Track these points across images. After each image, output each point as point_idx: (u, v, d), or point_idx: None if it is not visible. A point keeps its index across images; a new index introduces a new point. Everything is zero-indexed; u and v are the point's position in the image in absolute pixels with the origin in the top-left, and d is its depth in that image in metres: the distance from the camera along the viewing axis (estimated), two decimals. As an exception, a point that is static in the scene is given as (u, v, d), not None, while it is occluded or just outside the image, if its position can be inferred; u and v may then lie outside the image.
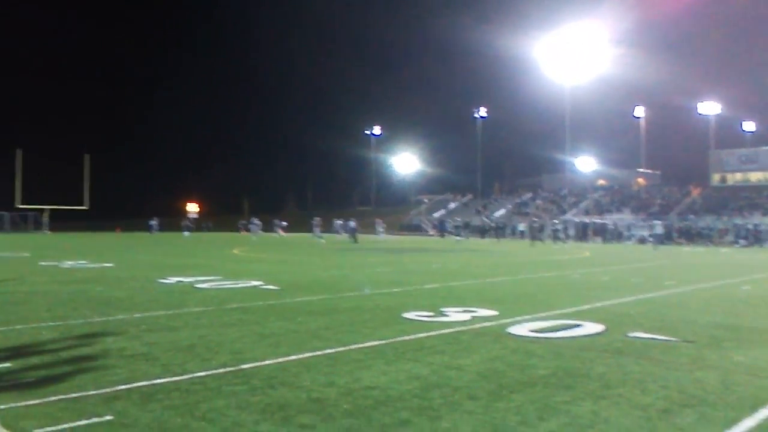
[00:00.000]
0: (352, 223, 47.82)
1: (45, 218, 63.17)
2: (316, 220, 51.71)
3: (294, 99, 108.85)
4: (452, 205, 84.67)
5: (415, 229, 77.67)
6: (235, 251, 31.06)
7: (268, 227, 62.02)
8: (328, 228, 59.63)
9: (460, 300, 12.15)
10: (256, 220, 58.77)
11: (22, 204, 61.59)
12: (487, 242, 52.84)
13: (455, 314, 10.30)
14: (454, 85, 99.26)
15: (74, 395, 5.44)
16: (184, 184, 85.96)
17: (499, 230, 65.71)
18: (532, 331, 8.86)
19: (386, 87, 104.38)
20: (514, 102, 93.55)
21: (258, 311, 10.54)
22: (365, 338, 8.23)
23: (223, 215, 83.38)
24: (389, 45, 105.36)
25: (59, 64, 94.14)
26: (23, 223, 64.59)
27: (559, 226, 52.58)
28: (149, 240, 47.97)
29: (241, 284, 14.66)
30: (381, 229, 54.05)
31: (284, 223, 49.83)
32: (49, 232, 57.27)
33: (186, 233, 59.56)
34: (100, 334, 8.40)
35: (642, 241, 54.52)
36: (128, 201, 74.64)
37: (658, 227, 48.16)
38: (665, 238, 55.15)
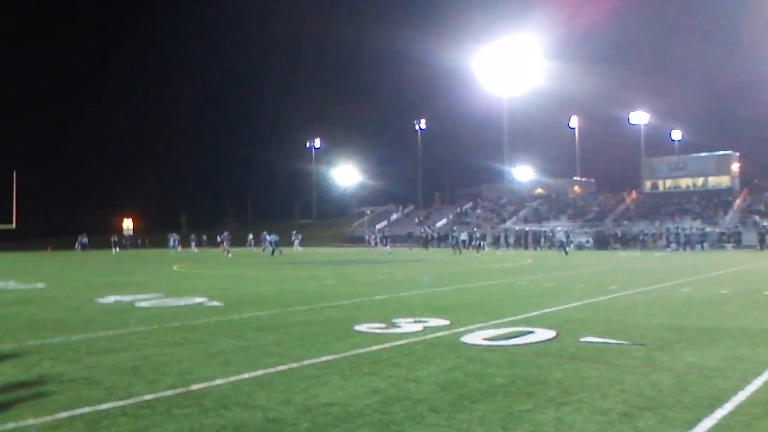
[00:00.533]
0: (274, 237, 47.79)
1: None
2: (225, 234, 52.42)
3: (231, 109, 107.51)
4: (394, 216, 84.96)
5: (358, 240, 77.56)
6: (175, 267, 30.27)
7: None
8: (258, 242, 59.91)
9: (411, 310, 12.09)
10: (174, 235, 59.28)
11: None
12: (430, 252, 53.21)
13: (407, 325, 10.21)
14: (395, 96, 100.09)
15: (12, 425, 5.09)
16: (117, 200, 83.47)
17: (440, 240, 66.29)
18: (486, 339, 8.85)
19: (326, 98, 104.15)
20: (454, 113, 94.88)
21: (204, 329, 10.21)
22: (319, 353, 8.05)
23: (159, 231, 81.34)
24: (329, 55, 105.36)
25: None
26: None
27: (477, 235, 54.17)
28: (81, 258, 46.32)
29: (184, 301, 14.22)
30: (297, 241, 53.43)
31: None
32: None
33: (115, 251, 57.99)
34: (36, 358, 7.96)
35: (580, 247, 55.87)
36: (58, 218, 71.90)
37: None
38: (603, 244, 56.76)
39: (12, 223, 61.78)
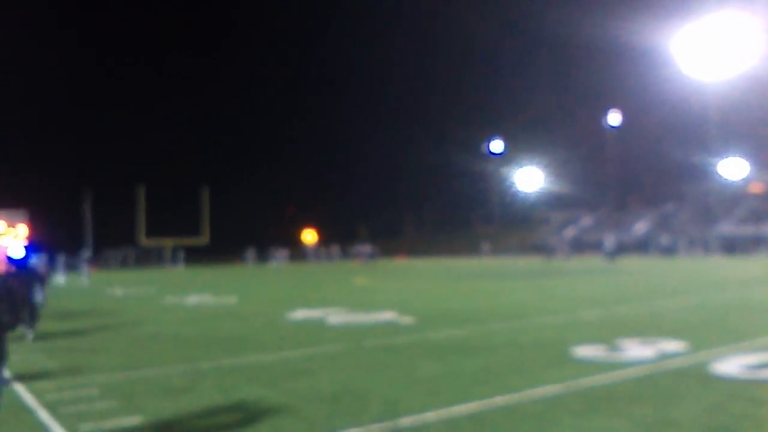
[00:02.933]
0: (369, 249, 47.95)
1: (171, 252, 66.16)
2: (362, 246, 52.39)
3: (405, 114, 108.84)
4: (584, 221, 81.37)
5: (540, 249, 75.15)
6: (357, 280, 30.70)
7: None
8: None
9: (633, 330, 10.84)
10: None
11: (147, 239, 65.00)
12: (627, 261, 49.91)
13: (635, 348, 9.06)
14: (581, 88, 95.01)
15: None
16: (299, 213, 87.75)
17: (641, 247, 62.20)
18: (745, 368, 7.50)
19: (505, 95, 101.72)
20: (649, 103, 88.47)
21: (402, 349, 9.76)
22: (536, 382, 7.22)
23: (339, 242, 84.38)
24: (507, 48, 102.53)
25: (172, 100, 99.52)
26: (146, 258, 68.14)
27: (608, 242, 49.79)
28: (266, 272, 48.90)
29: (374, 316, 13.98)
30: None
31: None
32: (180, 266, 59.77)
33: (275, 262, 60.32)
34: (234, 380, 7.89)
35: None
36: (245, 232, 76.94)
37: None
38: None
39: (204, 237, 67.00)
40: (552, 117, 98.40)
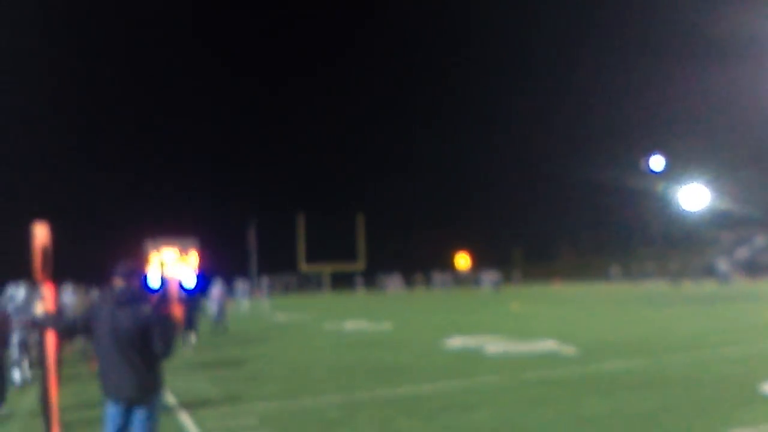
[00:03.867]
0: (494, 277, 46.31)
1: (331, 278, 68.16)
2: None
3: (560, 132, 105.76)
4: (759, 241, 74.84)
5: (712, 271, 69.79)
6: (512, 306, 29.83)
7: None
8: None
9: (834, 366, 9.51)
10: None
11: (306, 265, 67.50)
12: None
13: (839, 388, 7.89)
14: (749, 96, 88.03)
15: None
16: (453, 234, 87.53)
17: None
18: None
19: (666, 105, 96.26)
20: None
21: (565, 383, 9.12)
22: (725, 426, 6.41)
23: (490, 266, 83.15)
24: (666, 55, 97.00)
25: (326, 129, 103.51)
26: (307, 283, 70.75)
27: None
28: (419, 298, 48.94)
29: (534, 346, 13.33)
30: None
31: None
32: (361, 291, 61.03)
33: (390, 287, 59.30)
34: (392, 412, 7.66)
35: None
36: (399, 256, 77.86)
37: None
38: None
39: (361, 262, 68.49)
40: (717, 129, 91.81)
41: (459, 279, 73.66)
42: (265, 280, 57.78)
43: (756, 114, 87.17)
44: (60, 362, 7.67)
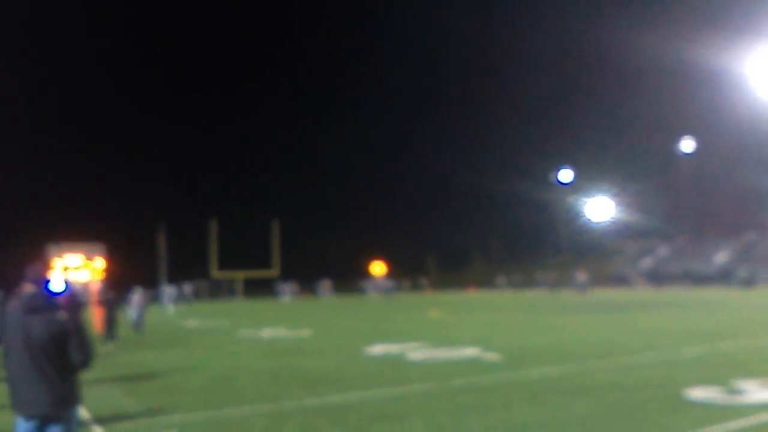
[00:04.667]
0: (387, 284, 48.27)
1: (244, 285, 66.68)
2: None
3: (473, 143, 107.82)
4: (661, 251, 78.47)
5: (618, 280, 72.68)
6: (431, 313, 29.94)
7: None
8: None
9: (747, 369, 9.84)
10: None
11: (219, 271, 65.82)
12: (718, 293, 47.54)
13: (756, 391, 8.13)
14: (650, 114, 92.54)
15: None
16: (366, 243, 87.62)
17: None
18: None
19: (571, 121, 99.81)
20: (724, 128, 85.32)
21: (494, 390, 9.05)
22: (653, 430, 6.44)
23: (407, 274, 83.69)
24: (575, 74, 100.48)
25: (241, 133, 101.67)
26: (218, 290, 69.02)
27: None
28: (331, 304, 48.58)
29: (457, 352, 13.28)
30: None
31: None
32: (287, 299, 58.76)
33: (285, 297, 57.96)
34: (321, 423, 7.36)
35: None
36: (312, 263, 77.21)
37: None
38: None
39: (275, 269, 67.43)
40: (623, 144, 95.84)
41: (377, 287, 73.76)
42: (187, 286, 56.00)
43: (659, 129, 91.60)
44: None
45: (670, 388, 8.54)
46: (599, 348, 13.50)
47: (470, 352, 13.33)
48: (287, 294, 58.76)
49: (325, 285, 64.16)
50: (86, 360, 4.14)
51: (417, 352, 13.54)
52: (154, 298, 43.76)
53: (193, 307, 46.31)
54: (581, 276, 49.72)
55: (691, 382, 8.88)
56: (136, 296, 22.10)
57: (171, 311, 38.74)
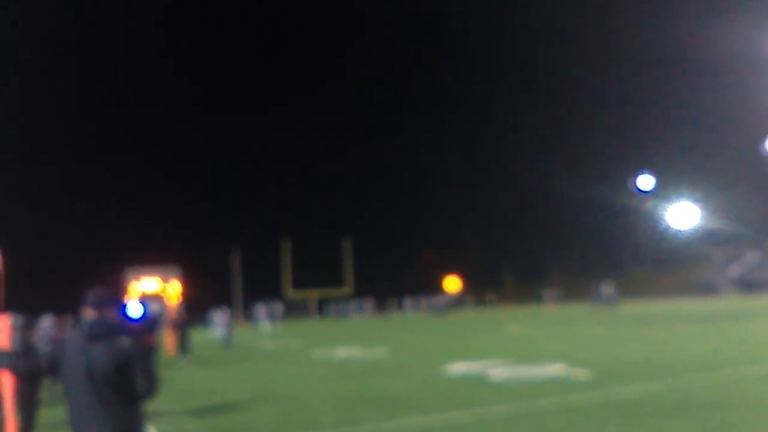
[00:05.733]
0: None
1: (318, 305, 67.15)
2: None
3: (548, 152, 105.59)
4: (750, 258, 74.87)
5: (706, 289, 69.67)
6: (510, 328, 29.18)
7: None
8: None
9: None
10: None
11: (293, 291, 66.41)
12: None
13: None
14: (736, 112, 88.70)
15: None
16: (440, 259, 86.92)
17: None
18: None
19: (650, 123, 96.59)
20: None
21: (585, 411, 8.49)
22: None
23: (481, 290, 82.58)
24: (654, 75, 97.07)
25: (314, 155, 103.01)
26: (293, 310, 69.70)
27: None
28: (410, 322, 48.15)
29: (541, 370, 12.69)
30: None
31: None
32: (357, 317, 58.59)
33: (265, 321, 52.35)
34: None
35: None
36: (385, 280, 77.01)
37: None
38: None
39: (348, 287, 67.63)
40: (706, 146, 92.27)
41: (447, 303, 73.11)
42: (278, 306, 56.78)
43: (743, 132, 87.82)
44: (32, 404, 6.93)
45: (784, 407, 7.82)
46: (695, 362, 12.66)
47: (555, 369, 12.72)
48: (358, 312, 58.95)
49: (407, 302, 63.99)
50: (151, 389, 3.92)
51: (498, 370, 13.01)
52: (247, 317, 44.55)
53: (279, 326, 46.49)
54: (606, 289, 47.48)
55: (807, 399, 8.11)
56: (220, 314, 22.96)
57: (267, 329, 40.24)
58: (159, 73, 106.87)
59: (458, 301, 72.72)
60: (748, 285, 61.90)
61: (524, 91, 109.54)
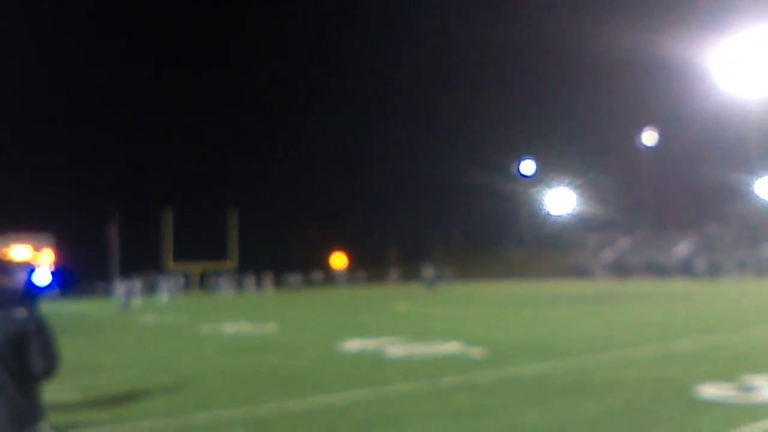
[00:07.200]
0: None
1: (199, 278, 65.31)
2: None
3: (433, 134, 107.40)
4: (622, 243, 79.41)
5: (580, 272, 73.37)
6: (398, 306, 29.40)
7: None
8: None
9: (751, 364, 9.50)
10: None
11: (174, 263, 64.11)
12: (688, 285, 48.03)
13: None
14: (614, 106, 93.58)
15: None
16: (325, 234, 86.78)
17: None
18: None
19: (533, 113, 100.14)
20: (686, 121, 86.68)
21: (491, 389, 8.51)
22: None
23: (369, 266, 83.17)
24: (536, 65, 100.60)
25: (195, 120, 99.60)
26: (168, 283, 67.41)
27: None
28: (297, 298, 47.75)
29: (439, 348, 12.72)
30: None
31: None
32: (231, 292, 57.65)
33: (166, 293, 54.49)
34: (307, 428, 6.71)
35: None
36: (271, 255, 75.93)
37: None
38: None
39: (233, 261, 66.19)
40: (585, 137, 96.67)
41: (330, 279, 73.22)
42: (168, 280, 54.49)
43: (621, 121, 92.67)
44: None
45: (680, 385, 8.11)
46: (588, 342, 13.10)
47: (452, 347, 12.79)
48: (242, 287, 57.93)
49: (293, 278, 63.26)
50: (51, 368, 3.42)
51: (395, 348, 12.95)
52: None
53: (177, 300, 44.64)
54: (428, 272, 50.19)
55: (699, 378, 8.45)
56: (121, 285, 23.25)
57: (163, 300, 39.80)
58: (41, 31, 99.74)
59: (347, 278, 72.91)
60: (620, 269, 65.58)
61: (413, 76, 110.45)
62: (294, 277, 63.63)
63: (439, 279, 50.26)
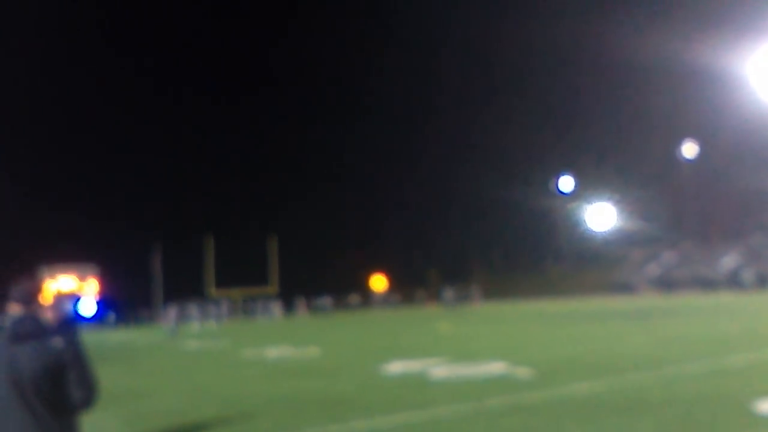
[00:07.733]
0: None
1: (242, 303, 65.75)
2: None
3: (470, 154, 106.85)
4: (667, 258, 77.76)
5: (624, 287, 71.95)
6: (441, 326, 29.07)
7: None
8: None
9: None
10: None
11: (216, 290, 64.61)
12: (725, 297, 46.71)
13: (836, 404, 7.36)
14: (653, 117, 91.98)
15: None
16: (365, 256, 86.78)
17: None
18: None
19: (571, 127, 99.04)
20: (725, 130, 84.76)
21: (540, 410, 8.25)
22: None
23: (407, 288, 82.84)
24: (574, 80, 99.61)
25: (234, 149, 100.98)
26: (216, 309, 67.91)
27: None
28: (337, 321, 47.66)
29: (482, 369, 12.45)
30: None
31: None
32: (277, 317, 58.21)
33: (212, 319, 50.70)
34: (353, 456, 6.56)
35: None
36: (313, 279, 76.12)
37: None
38: None
39: (273, 286, 66.44)
40: (623, 151, 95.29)
41: (371, 302, 73.06)
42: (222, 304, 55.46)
43: (661, 133, 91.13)
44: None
45: (737, 401, 7.76)
46: (637, 359, 12.69)
47: (497, 367, 12.51)
48: (283, 311, 58.24)
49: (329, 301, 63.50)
50: (88, 397, 3.35)
51: (439, 370, 12.71)
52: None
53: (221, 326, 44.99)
54: (448, 294, 52.02)
55: (757, 393, 8.08)
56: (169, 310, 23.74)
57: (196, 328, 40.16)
58: (77, 63, 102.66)
59: (385, 300, 72.71)
60: (665, 284, 64.19)
61: (449, 95, 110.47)
62: (337, 300, 63.73)
63: (463, 299, 51.62)
